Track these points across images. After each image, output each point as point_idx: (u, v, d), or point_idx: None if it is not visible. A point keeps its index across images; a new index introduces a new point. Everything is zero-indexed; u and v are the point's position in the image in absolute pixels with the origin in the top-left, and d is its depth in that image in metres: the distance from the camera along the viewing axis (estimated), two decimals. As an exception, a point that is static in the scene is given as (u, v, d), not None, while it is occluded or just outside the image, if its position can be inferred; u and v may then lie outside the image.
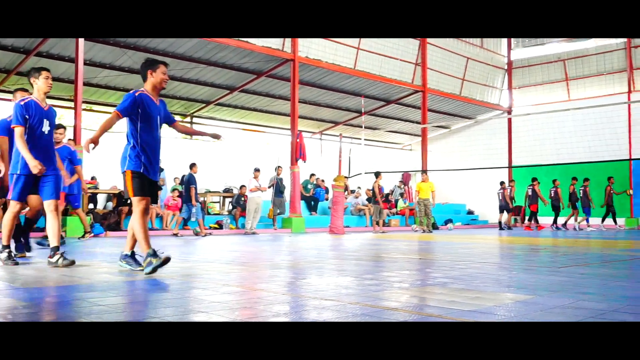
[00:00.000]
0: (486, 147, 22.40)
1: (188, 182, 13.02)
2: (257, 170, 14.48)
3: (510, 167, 22.12)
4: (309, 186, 18.54)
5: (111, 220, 12.85)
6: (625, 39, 20.40)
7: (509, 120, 22.72)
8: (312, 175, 18.93)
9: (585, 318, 2.78)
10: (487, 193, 23.04)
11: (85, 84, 12.68)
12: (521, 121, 22.13)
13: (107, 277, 4.54)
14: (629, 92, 20.46)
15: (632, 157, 19.27)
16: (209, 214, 15.67)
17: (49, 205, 5.38)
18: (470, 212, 23.72)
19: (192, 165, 13.16)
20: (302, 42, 15.91)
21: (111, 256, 6.52)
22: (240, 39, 14.58)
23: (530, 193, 17.74)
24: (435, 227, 18.59)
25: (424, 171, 16.10)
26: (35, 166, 5.15)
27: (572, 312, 2.94)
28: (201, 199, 15.82)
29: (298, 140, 15.62)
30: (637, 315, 2.87)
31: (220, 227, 14.83)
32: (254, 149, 20.92)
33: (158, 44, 14.58)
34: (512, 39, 23.58)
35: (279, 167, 15.34)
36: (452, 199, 24.09)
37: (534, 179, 17.78)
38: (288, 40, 15.65)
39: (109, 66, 15.25)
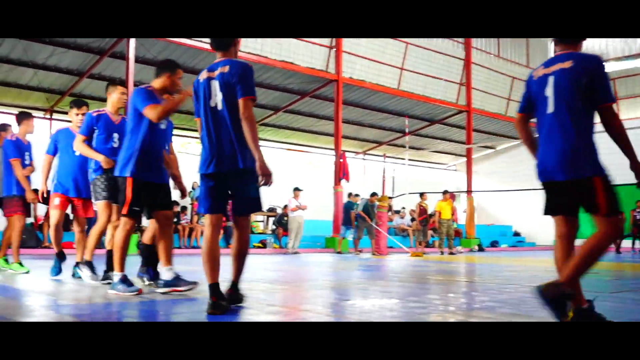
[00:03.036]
0: (533, 168, 21.92)
1: (349, 208, 14.77)
2: (297, 189, 14.56)
3: (558, 188, 21.56)
4: (353, 206, 18.47)
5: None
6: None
7: (557, 140, 22.20)
8: (356, 195, 18.87)
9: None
10: (535, 214, 22.50)
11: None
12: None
13: (146, 295, 4.59)
14: (684, 111, 19.80)
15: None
16: (252, 232, 15.79)
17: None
18: (516, 234, 23.23)
19: (350, 194, 15.27)
20: (346, 62, 16.00)
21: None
22: (286, 59, 14.76)
23: None
24: (481, 248, 18.27)
25: (446, 191, 15.81)
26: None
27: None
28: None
29: (341, 160, 15.64)
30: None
31: (264, 246, 14.91)
32: (298, 168, 21.02)
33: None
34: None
35: (374, 194, 15.18)
36: (498, 220, 23.64)
37: None
38: (332, 61, 15.75)
39: (158, 87, 15.61)
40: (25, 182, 6.40)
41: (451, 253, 14.94)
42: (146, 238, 5.20)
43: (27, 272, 6.35)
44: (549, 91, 3.20)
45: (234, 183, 3.67)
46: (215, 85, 3.66)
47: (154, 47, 13.57)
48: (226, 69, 3.64)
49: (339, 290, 5.54)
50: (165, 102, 4.44)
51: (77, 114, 5.92)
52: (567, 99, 3.13)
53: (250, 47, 14.10)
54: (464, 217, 19.36)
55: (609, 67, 21.39)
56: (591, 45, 22.10)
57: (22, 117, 6.77)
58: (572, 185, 3.14)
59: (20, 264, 6.46)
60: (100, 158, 5.16)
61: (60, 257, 5.84)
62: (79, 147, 5.32)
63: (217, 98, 3.64)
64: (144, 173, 4.47)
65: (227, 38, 3.77)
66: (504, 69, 21.22)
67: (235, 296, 3.83)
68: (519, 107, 3.52)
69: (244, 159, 3.57)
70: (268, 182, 3.51)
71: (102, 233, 5.38)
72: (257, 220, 17.02)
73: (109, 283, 5.18)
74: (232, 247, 3.80)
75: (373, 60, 16.85)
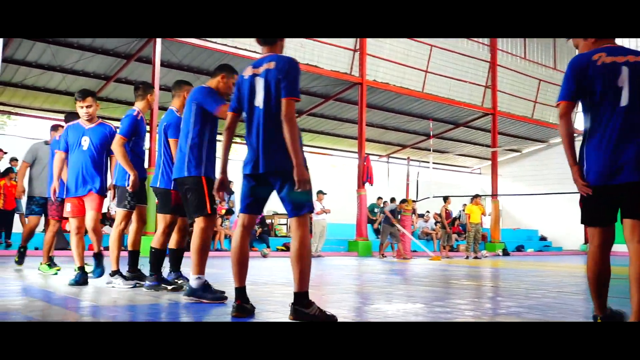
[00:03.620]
0: (561, 171, 21.63)
1: (396, 213, 14.44)
2: (321, 192, 14.55)
3: (585, 192, 21.23)
4: (376, 210, 18.43)
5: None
6: None
7: (584, 144, 21.87)
8: (379, 198, 18.82)
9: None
10: (562, 218, 22.23)
11: (160, 109, 13.17)
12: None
13: (174, 296, 4.61)
14: None
15: None
16: (276, 236, 15.82)
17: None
18: (543, 238, 22.92)
19: (393, 200, 15.29)
20: (369, 65, 15.96)
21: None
22: (309, 62, 14.78)
23: None
24: (506, 253, 18.06)
25: (477, 195, 15.66)
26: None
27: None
28: (268, 221, 16.03)
29: (365, 163, 15.60)
30: None
31: (287, 249, 14.92)
32: (322, 171, 21.02)
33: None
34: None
35: (405, 200, 15.08)
36: (524, 224, 23.36)
37: None
38: (356, 64, 15.73)
39: (183, 91, 15.75)
40: None
41: (476, 257, 14.79)
42: (173, 242, 5.14)
43: (56, 274, 6.43)
44: (623, 81, 2.95)
45: (275, 185, 3.43)
46: (260, 82, 3.43)
47: (179, 51, 13.70)
48: (272, 65, 3.42)
49: (363, 294, 5.51)
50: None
51: (82, 107, 5.48)
52: None
53: (274, 51, 14.13)
54: (489, 221, 19.16)
55: None
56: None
57: (70, 119, 6.64)
58: (638, 186, 2.90)
59: (49, 265, 6.55)
60: (132, 177, 5.11)
61: (99, 257, 5.58)
62: (118, 150, 5.12)
63: (260, 96, 3.43)
64: (211, 172, 4.39)
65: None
66: (530, 71, 20.97)
67: (297, 311, 3.31)
68: (564, 94, 3.08)
69: (278, 161, 3.34)
70: (303, 187, 3.29)
71: (121, 238, 5.37)
72: (280, 224, 17.05)
73: (139, 285, 5.23)
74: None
75: (397, 63, 16.78)
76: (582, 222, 3.11)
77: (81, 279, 5.32)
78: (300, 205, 3.38)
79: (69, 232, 7.56)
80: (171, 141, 4.90)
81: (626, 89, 2.93)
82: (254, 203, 3.55)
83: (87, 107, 5.48)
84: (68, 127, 5.63)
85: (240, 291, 3.52)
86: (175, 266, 5.24)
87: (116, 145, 5.16)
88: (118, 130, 5.28)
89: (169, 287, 5.00)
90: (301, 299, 3.30)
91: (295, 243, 3.34)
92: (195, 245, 4.28)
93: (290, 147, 3.29)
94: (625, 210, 2.98)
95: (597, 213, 3.03)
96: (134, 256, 5.40)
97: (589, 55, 3.04)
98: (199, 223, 4.30)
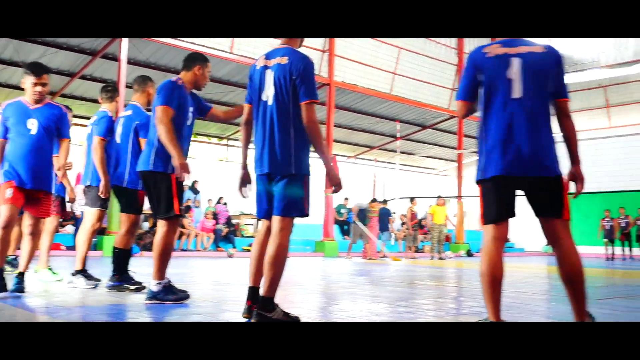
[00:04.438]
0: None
1: (386, 215, 14.93)
2: None
3: (548, 194, 21.69)
4: (342, 210, 18.50)
5: (146, 241, 13.00)
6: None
7: (547, 147, 22.32)
8: (346, 199, 18.89)
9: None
10: (525, 220, 22.56)
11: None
12: (559, 148, 21.69)
13: (140, 299, 4.57)
14: (673, 119, 19.98)
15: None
16: (242, 236, 15.75)
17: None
18: (506, 240, 23.28)
19: (385, 201, 15.56)
20: (338, 66, 16.01)
21: (145, 276, 6.56)
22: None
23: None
24: (470, 254, 18.31)
25: (439, 196, 15.89)
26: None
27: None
28: (234, 221, 15.95)
29: (332, 164, 15.60)
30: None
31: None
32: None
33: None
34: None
35: (375, 200, 15.09)
36: (488, 225, 23.72)
37: None
38: (325, 65, 15.77)
39: (149, 89, 15.57)
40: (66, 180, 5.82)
41: (440, 258, 14.98)
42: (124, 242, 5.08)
43: (60, 280, 5.78)
44: (514, 73, 2.84)
45: (276, 185, 3.25)
46: (270, 76, 3.28)
47: (146, 49, 13.53)
48: (284, 60, 3.28)
49: (328, 294, 5.54)
50: (174, 143, 3.94)
51: (36, 84, 4.45)
52: (540, 86, 2.86)
53: (243, 50, 14.10)
54: (454, 222, 19.41)
55: (601, 75, 21.47)
56: (583, 53, 22.21)
57: None
58: (543, 183, 2.85)
59: (50, 269, 5.88)
60: (103, 182, 5.04)
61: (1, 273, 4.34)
62: (99, 154, 5.02)
63: (269, 92, 3.26)
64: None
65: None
66: (495, 75, 21.27)
67: (260, 315, 3.16)
68: (460, 92, 2.97)
69: (284, 165, 3.20)
70: (338, 190, 3.36)
71: (92, 239, 5.31)
72: (247, 224, 16.99)
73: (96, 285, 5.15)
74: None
75: (365, 65, 16.87)
76: (485, 221, 2.92)
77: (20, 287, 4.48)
78: (291, 206, 3.21)
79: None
80: (142, 141, 4.83)
81: (518, 81, 2.83)
82: (264, 206, 3.35)
83: (42, 85, 4.48)
84: (7, 106, 4.51)
85: (252, 291, 3.39)
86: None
87: (98, 148, 5.07)
88: (95, 132, 5.16)
89: (132, 287, 4.96)
90: (266, 303, 3.18)
91: (274, 246, 3.18)
92: (158, 250, 4.12)
93: (319, 152, 3.29)
94: (540, 209, 2.89)
95: (498, 206, 2.89)
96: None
97: (481, 48, 2.94)
98: (162, 226, 4.15)
